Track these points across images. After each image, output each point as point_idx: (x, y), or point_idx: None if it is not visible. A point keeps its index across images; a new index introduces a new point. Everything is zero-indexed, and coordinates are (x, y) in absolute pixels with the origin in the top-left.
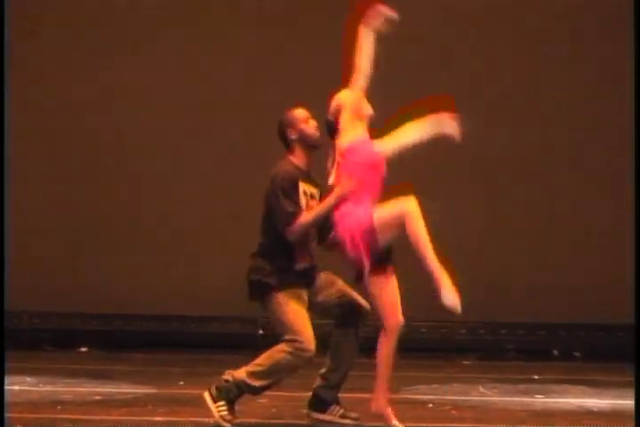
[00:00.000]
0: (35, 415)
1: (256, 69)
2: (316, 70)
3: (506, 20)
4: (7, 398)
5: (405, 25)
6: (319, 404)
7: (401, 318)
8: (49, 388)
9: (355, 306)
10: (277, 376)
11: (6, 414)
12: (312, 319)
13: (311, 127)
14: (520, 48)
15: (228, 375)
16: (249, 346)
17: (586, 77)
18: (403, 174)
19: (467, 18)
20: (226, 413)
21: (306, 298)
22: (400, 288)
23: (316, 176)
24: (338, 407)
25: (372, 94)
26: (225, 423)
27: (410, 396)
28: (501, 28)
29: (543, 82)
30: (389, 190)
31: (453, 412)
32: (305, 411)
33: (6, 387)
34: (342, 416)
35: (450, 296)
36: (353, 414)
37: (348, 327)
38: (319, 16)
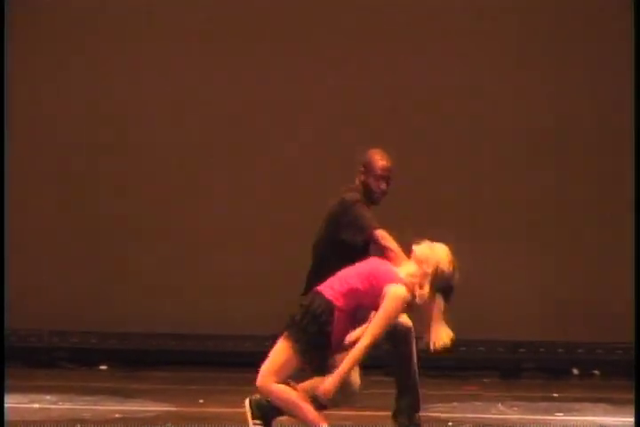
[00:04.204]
0: None
1: (262, 73)
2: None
3: (509, 19)
4: (27, 416)
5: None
6: None
7: None
8: (68, 406)
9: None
10: None
11: None
12: None
13: (378, 186)
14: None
15: None
16: None
17: (591, 78)
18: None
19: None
20: None
21: None
22: None
23: None
24: None
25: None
26: None
27: (429, 414)
28: (502, 26)
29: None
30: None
31: None
32: None
33: (26, 405)
34: None
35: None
36: None
37: (394, 348)
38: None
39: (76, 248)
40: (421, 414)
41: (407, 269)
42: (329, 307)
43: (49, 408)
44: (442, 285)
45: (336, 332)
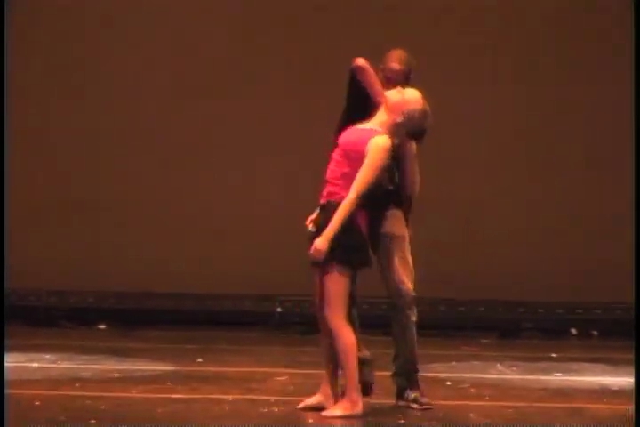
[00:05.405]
0: (53, 392)
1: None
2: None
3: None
4: (26, 375)
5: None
6: (397, 390)
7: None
8: (67, 365)
9: (399, 289)
10: None
11: (25, 391)
12: None
13: (383, 84)
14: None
15: None
16: (266, 323)
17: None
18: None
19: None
20: None
21: None
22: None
23: None
24: (411, 392)
25: None
26: None
27: (428, 374)
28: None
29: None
30: None
31: (471, 390)
32: None
33: (25, 364)
34: (413, 401)
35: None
36: (424, 400)
37: (395, 311)
38: None
39: (75, 210)
40: (420, 373)
41: (379, 119)
42: None
43: (48, 367)
44: (414, 129)
45: (361, 223)
